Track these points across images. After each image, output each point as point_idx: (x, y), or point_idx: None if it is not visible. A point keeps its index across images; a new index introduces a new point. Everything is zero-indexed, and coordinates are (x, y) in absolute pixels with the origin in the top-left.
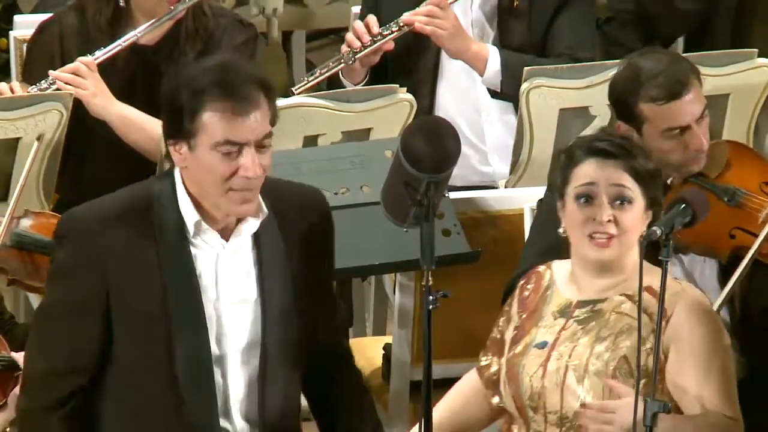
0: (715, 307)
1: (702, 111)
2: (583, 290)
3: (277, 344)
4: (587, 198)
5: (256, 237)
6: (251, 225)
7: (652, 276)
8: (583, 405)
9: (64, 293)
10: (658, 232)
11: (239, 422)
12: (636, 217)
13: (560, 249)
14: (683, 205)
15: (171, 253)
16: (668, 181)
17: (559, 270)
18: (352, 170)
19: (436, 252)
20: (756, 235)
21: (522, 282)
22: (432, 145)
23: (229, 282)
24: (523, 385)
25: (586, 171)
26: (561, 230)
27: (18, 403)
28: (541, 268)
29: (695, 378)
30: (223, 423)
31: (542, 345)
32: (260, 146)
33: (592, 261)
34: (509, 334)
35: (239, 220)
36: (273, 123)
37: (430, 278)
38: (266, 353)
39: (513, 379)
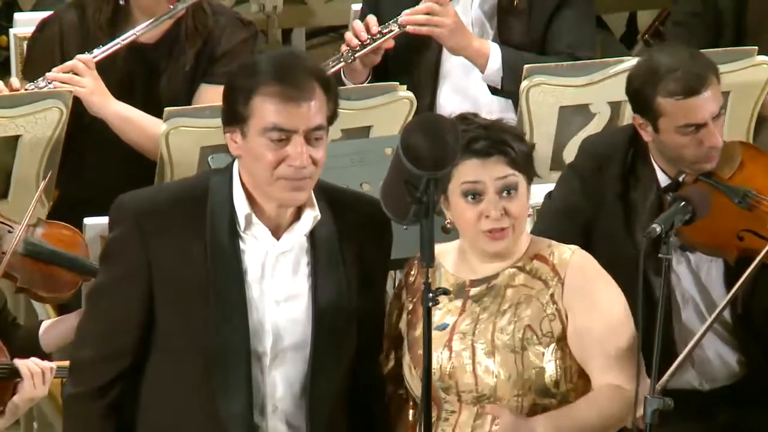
0: (718, 309)
1: (719, 109)
2: (476, 270)
3: (328, 346)
4: (474, 195)
5: (312, 239)
6: (305, 224)
7: (542, 244)
8: None
9: (112, 273)
10: (658, 229)
11: (274, 421)
12: (523, 202)
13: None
14: (683, 203)
15: (219, 245)
16: (680, 179)
17: (443, 252)
18: (351, 168)
19: None
20: (765, 238)
21: (406, 270)
22: (432, 142)
23: (275, 280)
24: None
25: (469, 170)
26: (447, 222)
27: (64, 389)
28: None
29: (592, 344)
30: (257, 419)
31: (443, 327)
32: (310, 138)
33: (488, 253)
34: (403, 323)
35: (294, 220)
36: (331, 121)
37: (429, 276)
38: (315, 353)
39: (419, 363)
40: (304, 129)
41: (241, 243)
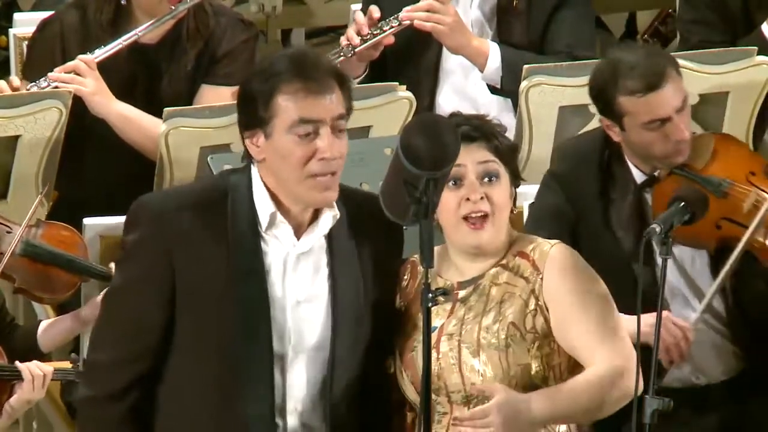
0: (707, 298)
1: (682, 102)
2: (463, 272)
3: (347, 346)
4: (456, 180)
5: (330, 239)
6: (325, 224)
7: (525, 242)
8: (454, 418)
9: (131, 275)
10: (658, 229)
11: (293, 421)
12: (504, 194)
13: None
14: (682, 204)
15: (241, 245)
16: (655, 174)
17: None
18: (351, 168)
19: None
20: (742, 225)
21: (399, 274)
22: (431, 142)
23: (296, 281)
24: (420, 369)
25: None
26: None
27: (79, 391)
28: (415, 257)
29: (577, 331)
30: (278, 420)
31: (432, 330)
32: (336, 129)
33: (469, 246)
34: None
35: (312, 220)
36: (348, 114)
37: (429, 276)
38: (335, 353)
39: (409, 366)
40: (330, 118)
41: (262, 243)
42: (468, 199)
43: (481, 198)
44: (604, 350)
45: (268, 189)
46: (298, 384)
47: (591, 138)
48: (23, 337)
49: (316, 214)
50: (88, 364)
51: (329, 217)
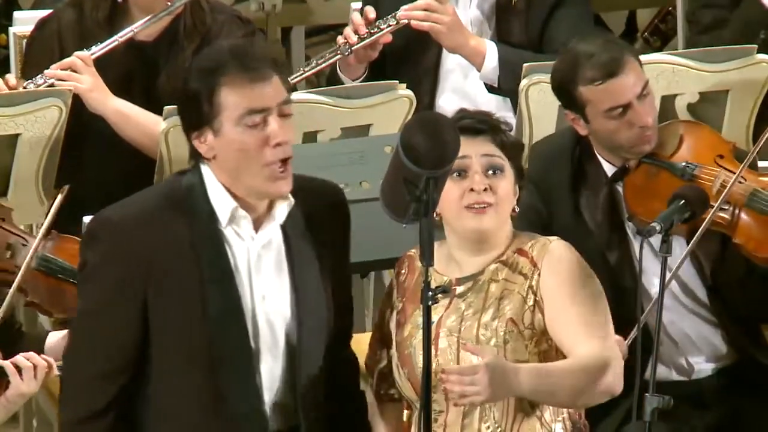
0: (671, 273)
1: (642, 88)
2: (462, 268)
3: (313, 338)
4: (460, 172)
5: (284, 230)
6: (281, 213)
7: (525, 239)
8: (442, 371)
9: (101, 293)
10: (657, 228)
11: (276, 413)
12: (508, 187)
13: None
14: (682, 202)
15: (206, 247)
16: (626, 165)
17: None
18: (351, 166)
19: None
20: (713, 206)
21: (397, 269)
22: (431, 141)
23: (261, 277)
24: (417, 366)
25: None
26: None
27: (59, 415)
28: (413, 251)
29: (567, 323)
30: (266, 413)
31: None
32: (282, 114)
33: (470, 231)
34: (393, 322)
35: (268, 210)
36: (288, 102)
37: (429, 274)
38: (302, 345)
39: (406, 363)
40: (276, 104)
41: (225, 242)
42: (472, 189)
43: (485, 189)
44: (592, 344)
45: (224, 185)
46: (270, 377)
47: (561, 136)
48: (30, 346)
49: (271, 205)
50: (65, 388)
51: (284, 207)
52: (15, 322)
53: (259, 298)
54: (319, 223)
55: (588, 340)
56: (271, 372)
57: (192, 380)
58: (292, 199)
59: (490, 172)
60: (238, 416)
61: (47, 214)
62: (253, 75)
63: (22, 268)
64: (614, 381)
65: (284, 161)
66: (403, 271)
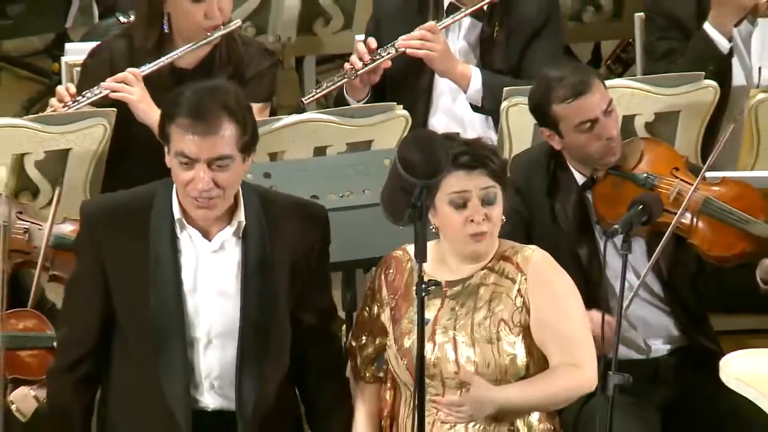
0: (641, 277)
1: (607, 105)
2: (453, 272)
3: (253, 337)
4: (462, 203)
5: (245, 241)
6: (231, 228)
7: (506, 246)
8: (432, 400)
9: (78, 268)
10: (619, 229)
11: (213, 398)
12: (500, 211)
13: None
14: (640, 207)
15: (159, 245)
16: (594, 176)
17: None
18: (355, 176)
19: None
20: (670, 212)
21: (382, 268)
22: (424, 155)
23: (211, 276)
24: (415, 358)
25: (455, 181)
26: (432, 228)
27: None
28: (398, 252)
29: (548, 329)
30: (198, 397)
31: (425, 322)
32: (213, 165)
33: (469, 253)
34: (386, 316)
35: (226, 224)
36: (246, 149)
37: (423, 270)
38: (242, 342)
39: (406, 354)
40: (206, 158)
41: (178, 243)
42: (472, 220)
43: (483, 219)
44: (570, 352)
45: (177, 197)
46: (214, 365)
47: (538, 148)
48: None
49: (230, 218)
50: (56, 339)
51: (236, 223)
52: (46, 301)
53: (207, 295)
54: (290, 235)
55: (567, 347)
56: (214, 360)
57: (137, 358)
58: (244, 219)
59: (487, 203)
60: (169, 397)
61: (50, 202)
62: (198, 125)
63: (43, 246)
64: (590, 383)
65: (208, 199)
66: (390, 271)
